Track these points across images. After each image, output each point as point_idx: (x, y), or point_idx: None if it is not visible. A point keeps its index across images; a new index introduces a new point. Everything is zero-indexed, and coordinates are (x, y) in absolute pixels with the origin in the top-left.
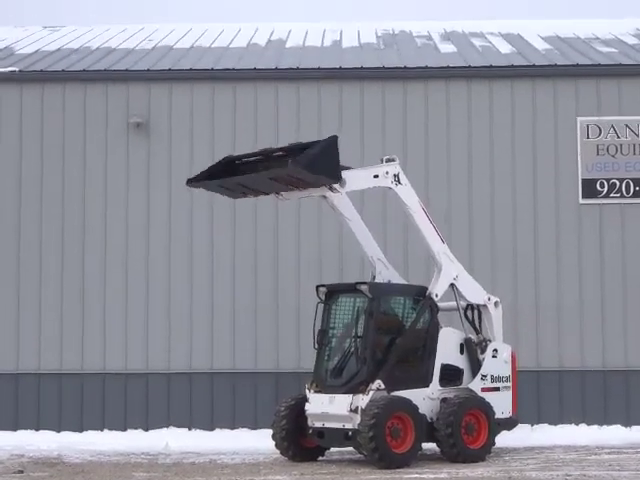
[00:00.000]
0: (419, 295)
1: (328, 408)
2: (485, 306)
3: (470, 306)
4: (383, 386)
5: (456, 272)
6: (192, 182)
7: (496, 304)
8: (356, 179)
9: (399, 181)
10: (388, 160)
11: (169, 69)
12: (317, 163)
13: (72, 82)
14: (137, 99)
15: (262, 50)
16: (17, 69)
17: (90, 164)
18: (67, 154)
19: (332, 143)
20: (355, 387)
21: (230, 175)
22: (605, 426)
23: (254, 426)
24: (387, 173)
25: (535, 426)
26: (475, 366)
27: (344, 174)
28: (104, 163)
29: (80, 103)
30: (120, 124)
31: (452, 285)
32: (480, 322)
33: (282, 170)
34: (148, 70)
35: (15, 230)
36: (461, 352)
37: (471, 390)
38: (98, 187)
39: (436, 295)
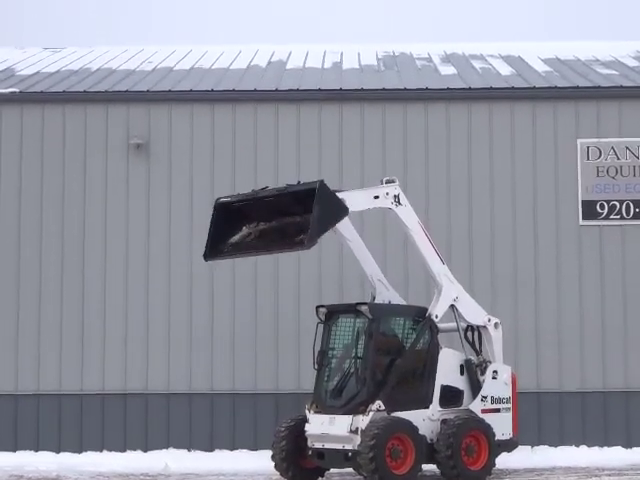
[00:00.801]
0: (419, 316)
1: (328, 429)
2: (485, 327)
3: (470, 327)
4: (383, 407)
5: (456, 293)
6: (209, 257)
7: (496, 325)
8: (356, 200)
9: (399, 202)
10: (388, 181)
11: (169, 90)
12: (325, 220)
13: (72, 103)
14: (137, 120)
15: (262, 71)
16: (18, 90)
17: (90, 185)
18: (67, 175)
19: (322, 190)
20: (355, 408)
21: (230, 220)
22: (606, 447)
23: (254, 447)
24: (387, 194)
25: (535, 447)
26: (475, 387)
27: (344, 195)
28: (104, 184)
29: (80, 124)
30: (120, 145)
31: (452, 306)
32: (480, 343)
33: (298, 248)
34: (148, 91)
35: (15, 249)
36: (461, 373)
37: (471, 411)
38: (98, 207)
39: (436, 316)
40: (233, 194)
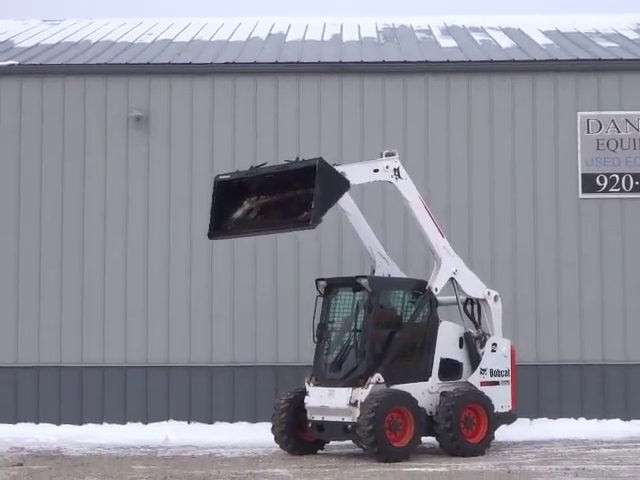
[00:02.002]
0: (419, 289)
1: (327, 401)
2: (485, 300)
3: (470, 300)
4: (382, 380)
5: (455, 266)
6: (213, 236)
7: (495, 298)
8: (356, 174)
9: (399, 175)
10: (388, 154)
11: (169, 63)
12: (327, 197)
13: (72, 76)
14: (137, 93)
15: (262, 44)
16: (17, 62)
17: (90, 158)
18: (67, 147)
19: (322, 167)
20: (355, 381)
21: (231, 194)
22: (604, 420)
23: (253, 419)
24: (387, 167)
25: (534, 420)
26: (474, 360)
27: (344, 168)
28: (104, 157)
29: (80, 97)
30: (120, 118)
31: (452, 279)
32: (479, 316)
33: (305, 227)
34: (148, 64)
35: (14, 223)
36: (460, 346)
37: (470, 384)
38: (97, 180)
39: (436, 289)
40: (232, 172)
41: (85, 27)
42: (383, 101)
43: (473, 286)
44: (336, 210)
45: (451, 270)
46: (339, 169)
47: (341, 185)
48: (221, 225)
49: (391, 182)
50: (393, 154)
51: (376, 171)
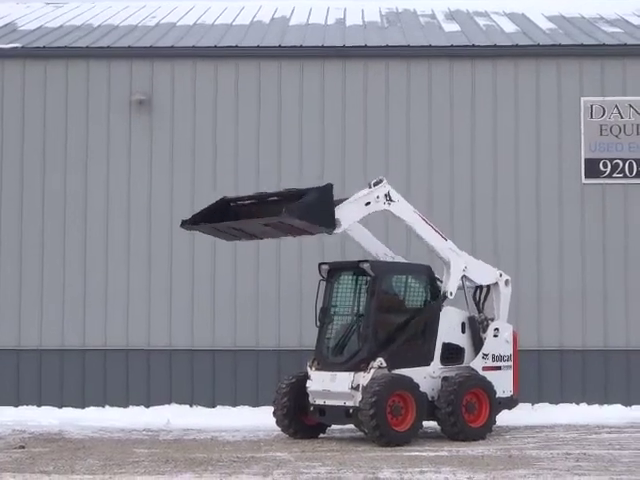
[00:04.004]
0: (422, 273)
1: (329, 386)
2: (496, 284)
3: (479, 286)
4: (384, 364)
5: (464, 263)
6: (187, 224)
7: (507, 282)
8: (350, 215)
9: (391, 199)
10: (376, 183)
11: (172, 46)
12: (311, 212)
13: (75, 59)
14: (140, 76)
15: (265, 27)
16: (20, 45)
17: (92, 141)
18: (69, 130)
19: (327, 191)
20: (357, 365)
21: (224, 216)
22: (606, 405)
23: (255, 403)
24: (378, 197)
25: (536, 405)
26: (477, 345)
27: (337, 214)
28: (106, 140)
29: (83, 80)
30: (123, 101)
31: (464, 276)
32: (484, 301)
33: (276, 218)
34: (151, 47)
35: (17, 207)
36: (463, 331)
37: (472, 369)
38: (100, 164)
39: (450, 293)
40: (239, 196)
41: (88, 10)
42: (386, 85)
43: (485, 274)
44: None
45: (461, 269)
46: (336, 214)
47: (326, 222)
48: (199, 223)
49: (386, 209)
50: (380, 181)
51: (368, 204)
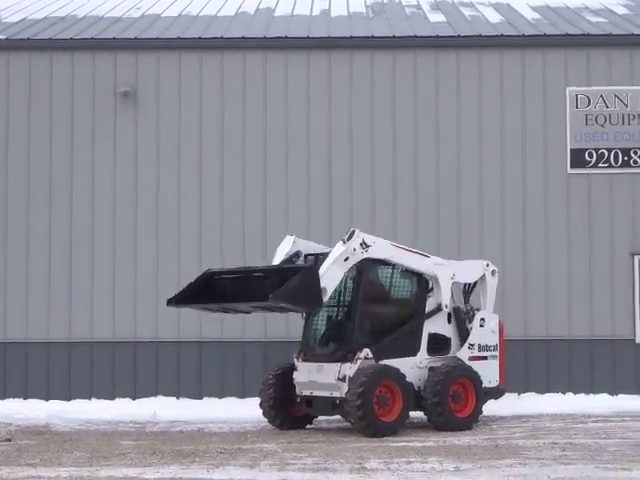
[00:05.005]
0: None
1: (316, 377)
2: (483, 275)
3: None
4: (371, 355)
5: (451, 271)
6: (172, 303)
7: (493, 273)
8: (333, 278)
9: (367, 245)
10: (349, 237)
11: (157, 38)
12: (298, 295)
13: (59, 50)
14: (124, 68)
15: (250, 19)
16: (4, 37)
17: (77, 133)
18: (54, 122)
19: (312, 272)
20: (343, 356)
21: (209, 291)
22: (592, 395)
23: (242, 395)
24: (355, 250)
25: (522, 395)
26: (463, 335)
27: (322, 282)
28: (91, 132)
29: (67, 71)
30: (107, 93)
31: (453, 283)
32: (471, 291)
33: (263, 303)
34: (136, 39)
35: (1, 199)
36: (449, 321)
37: (459, 359)
38: (85, 156)
39: (445, 306)
40: (224, 269)
41: (72, 1)
42: (372, 76)
43: (472, 273)
44: (326, 188)
45: (449, 278)
46: (321, 282)
47: (314, 302)
48: (184, 300)
49: (366, 258)
50: (352, 233)
51: (347, 259)
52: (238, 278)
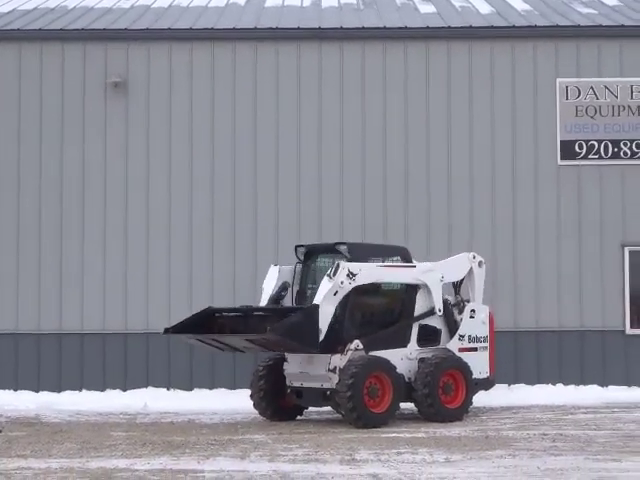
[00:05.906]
0: (398, 255)
1: (306, 368)
2: (470, 268)
3: None
4: (361, 346)
5: (440, 274)
6: (170, 332)
7: (480, 264)
8: (326, 314)
9: (353, 275)
10: (334, 272)
11: (147, 28)
12: (296, 332)
13: (49, 41)
14: (115, 58)
15: (241, 9)
16: None
17: (68, 124)
18: (44, 113)
19: (312, 312)
20: (333, 347)
21: (208, 326)
22: (582, 386)
23: (233, 386)
24: (342, 283)
25: (512, 386)
26: (453, 327)
27: (321, 323)
28: (82, 123)
29: (58, 62)
30: (98, 83)
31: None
32: (461, 283)
33: (260, 335)
34: (126, 29)
35: None
36: None
37: (449, 350)
38: (76, 146)
39: (439, 310)
40: (225, 307)
41: None
42: (362, 67)
43: (460, 269)
44: (316, 180)
45: (439, 281)
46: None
47: (310, 345)
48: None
49: (354, 286)
50: (338, 266)
51: (336, 293)
52: (238, 317)
